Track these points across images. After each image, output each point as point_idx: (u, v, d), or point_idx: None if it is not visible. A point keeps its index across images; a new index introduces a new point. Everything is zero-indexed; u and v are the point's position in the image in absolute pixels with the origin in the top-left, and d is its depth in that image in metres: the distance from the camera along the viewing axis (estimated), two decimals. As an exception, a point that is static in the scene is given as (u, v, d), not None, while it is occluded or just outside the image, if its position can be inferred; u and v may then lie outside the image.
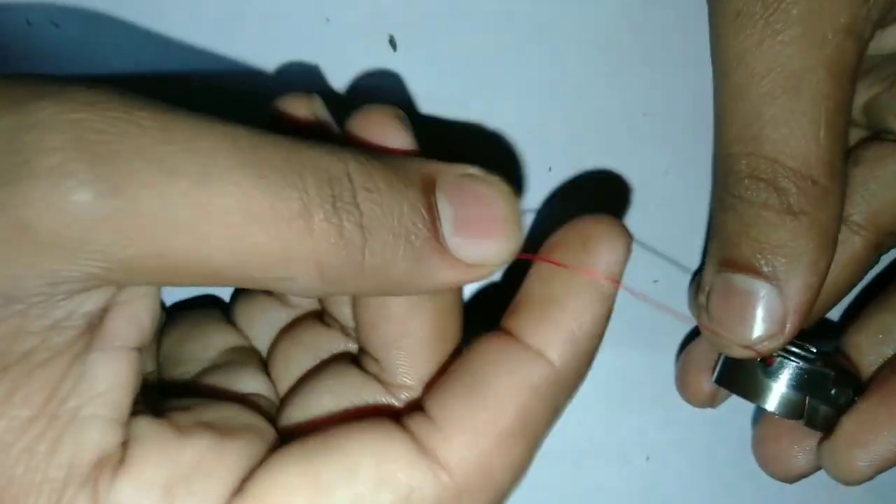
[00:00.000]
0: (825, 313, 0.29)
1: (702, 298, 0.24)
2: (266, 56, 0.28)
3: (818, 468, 0.28)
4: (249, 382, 0.23)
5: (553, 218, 0.30)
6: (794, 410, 0.26)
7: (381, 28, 0.28)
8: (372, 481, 0.18)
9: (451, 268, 0.19)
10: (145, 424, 0.18)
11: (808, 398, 0.26)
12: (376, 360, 0.22)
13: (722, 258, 0.23)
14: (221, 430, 0.19)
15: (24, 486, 0.16)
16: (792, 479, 0.28)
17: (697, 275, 0.29)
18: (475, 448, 0.19)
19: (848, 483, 0.26)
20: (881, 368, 0.27)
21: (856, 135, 0.28)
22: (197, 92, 0.28)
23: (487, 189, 0.19)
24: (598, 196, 0.30)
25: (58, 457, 0.17)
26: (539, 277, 0.21)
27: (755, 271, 0.22)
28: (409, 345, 0.21)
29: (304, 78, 0.28)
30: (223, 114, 0.27)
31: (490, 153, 0.30)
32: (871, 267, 0.28)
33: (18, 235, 0.15)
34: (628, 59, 0.30)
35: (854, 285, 0.28)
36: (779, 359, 0.25)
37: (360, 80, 0.29)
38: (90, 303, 0.17)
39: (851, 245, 0.26)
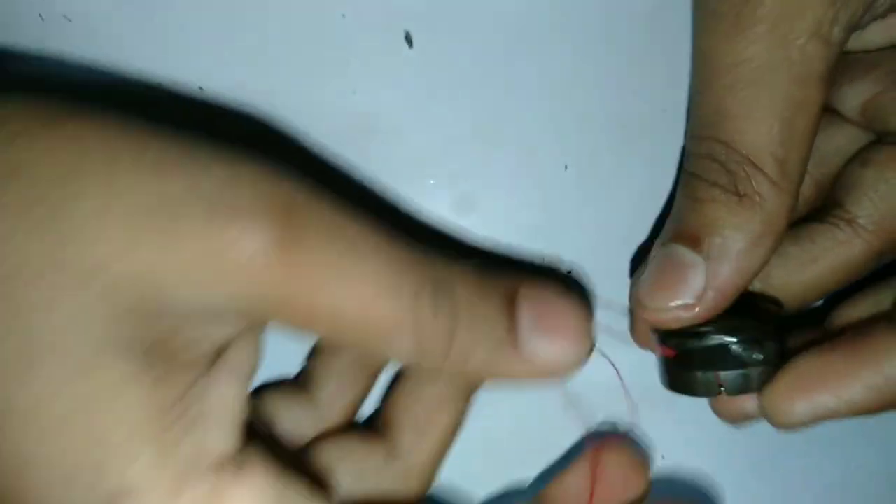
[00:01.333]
0: (806, 306, 0.28)
1: (641, 268, 0.25)
2: (281, 52, 0.28)
3: None
4: None
5: (568, 217, 0.30)
6: (711, 389, 0.26)
7: (397, 24, 0.28)
8: None
9: (523, 364, 0.22)
10: (258, 452, 0.21)
11: (719, 373, 0.26)
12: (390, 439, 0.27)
13: (669, 231, 0.24)
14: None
15: (153, 463, 0.18)
16: (739, 424, 0.28)
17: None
18: None
19: (782, 428, 0.25)
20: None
21: (859, 136, 0.27)
22: (212, 86, 0.28)
23: (562, 302, 0.23)
24: (615, 194, 0.30)
25: (190, 439, 0.19)
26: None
27: (693, 244, 0.23)
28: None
29: (319, 74, 0.28)
30: (236, 108, 0.28)
31: (505, 150, 0.29)
32: (868, 272, 0.27)
33: (212, 262, 0.19)
34: (648, 55, 0.29)
35: (844, 286, 0.28)
36: (679, 349, 0.26)
37: (375, 77, 0.28)
38: (232, 329, 0.20)
39: (851, 247, 0.26)
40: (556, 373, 0.23)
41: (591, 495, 0.26)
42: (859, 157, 0.26)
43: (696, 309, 0.24)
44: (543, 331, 0.22)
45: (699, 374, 0.26)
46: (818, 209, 0.27)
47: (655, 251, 0.25)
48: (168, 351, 0.19)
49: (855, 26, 0.23)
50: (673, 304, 0.24)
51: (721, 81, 0.23)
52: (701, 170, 0.24)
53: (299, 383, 0.28)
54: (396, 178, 0.29)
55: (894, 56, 0.26)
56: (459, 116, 0.29)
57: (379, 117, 0.29)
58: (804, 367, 0.24)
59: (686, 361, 0.26)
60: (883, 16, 0.24)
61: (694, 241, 0.24)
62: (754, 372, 0.26)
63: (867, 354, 0.24)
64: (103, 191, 0.18)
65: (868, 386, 0.23)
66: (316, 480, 0.25)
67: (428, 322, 0.21)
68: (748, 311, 0.26)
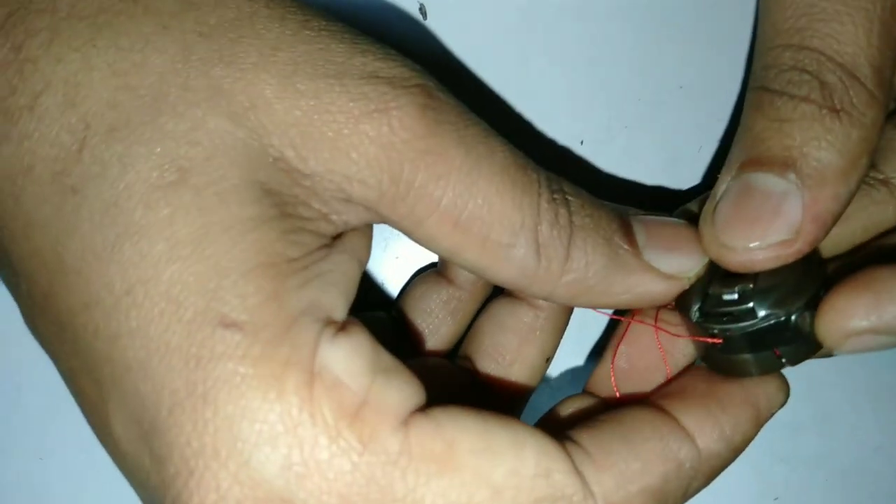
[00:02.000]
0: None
1: (709, 206, 0.22)
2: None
3: None
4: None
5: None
6: (771, 365, 0.23)
7: (412, -5, 0.28)
8: (532, 468, 0.19)
9: (645, 273, 0.22)
10: (360, 325, 0.20)
11: (778, 348, 0.22)
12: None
13: (745, 158, 0.21)
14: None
15: (267, 302, 0.18)
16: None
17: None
18: (621, 490, 0.20)
19: (837, 349, 0.22)
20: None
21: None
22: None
23: (673, 221, 0.23)
24: (630, 171, 0.30)
25: (305, 292, 0.19)
26: (704, 374, 0.24)
27: (782, 168, 0.20)
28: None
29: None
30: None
31: (521, 125, 0.29)
32: None
33: (361, 125, 0.19)
34: (664, 32, 0.29)
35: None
36: (724, 335, 0.22)
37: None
38: (355, 217, 0.20)
39: (885, 208, 0.24)
40: (678, 288, 0.22)
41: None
42: (893, 121, 0.25)
43: (797, 244, 0.20)
44: (662, 242, 0.22)
45: (752, 357, 0.22)
46: None
47: (726, 183, 0.22)
48: (297, 213, 0.19)
49: None
50: (768, 241, 0.21)
51: None
52: (786, 85, 0.21)
53: (393, 318, 0.28)
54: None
55: None
56: (474, 88, 0.28)
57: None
58: (866, 279, 0.21)
59: (734, 346, 0.22)
60: None
61: (782, 167, 0.20)
62: (813, 335, 0.22)
63: None
64: (272, 41, 0.19)
65: None
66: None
67: (549, 220, 0.20)
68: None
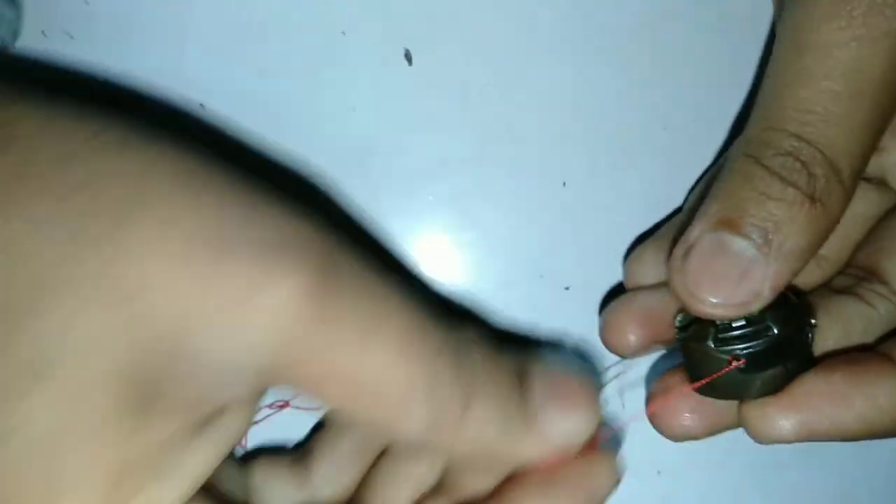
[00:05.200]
0: None
1: (680, 250, 0.24)
2: (281, 69, 0.28)
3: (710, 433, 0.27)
4: None
5: (565, 234, 0.30)
6: (779, 383, 0.25)
7: (397, 41, 0.28)
8: None
9: (534, 444, 0.22)
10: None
11: (785, 365, 0.25)
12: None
13: (724, 217, 0.23)
14: None
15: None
16: (681, 439, 0.28)
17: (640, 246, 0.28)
18: None
19: (760, 440, 0.25)
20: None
21: (881, 199, 0.27)
22: (213, 103, 0.28)
23: (571, 376, 0.23)
24: (613, 213, 0.30)
25: (139, 496, 0.19)
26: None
27: (757, 238, 0.22)
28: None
29: (319, 91, 0.28)
30: (237, 125, 0.28)
31: (504, 167, 0.29)
32: None
33: (248, 304, 0.19)
34: (647, 73, 0.29)
35: None
36: (746, 353, 0.24)
37: (375, 94, 0.28)
38: (237, 392, 0.20)
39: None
40: (566, 447, 0.23)
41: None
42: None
43: (753, 306, 0.23)
44: (557, 403, 0.23)
45: (763, 374, 0.24)
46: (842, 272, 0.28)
47: (700, 233, 0.23)
48: (169, 401, 0.19)
49: None
50: (731, 300, 0.23)
51: (831, 84, 0.22)
52: (780, 166, 0.22)
53: (296, 458, 0.28)
54: (395, 194, 0.29)
55: None
56: (458, 133, 0.29)
57: (378, 134, 0.29)
58: (800, 387, 0.24)
59: (756, 364, 0.24)
60: None
61: (758, 237, 0.22)
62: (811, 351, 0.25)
63: (863, 384, 0.24)
64: (165, 216, 0.19)
65: (860, 415, 0.23)
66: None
67: (445, 389, 0.21)
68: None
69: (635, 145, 0.30)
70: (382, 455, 0.28)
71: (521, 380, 0.23)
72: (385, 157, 0.29)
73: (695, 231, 0.23)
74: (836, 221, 0.23)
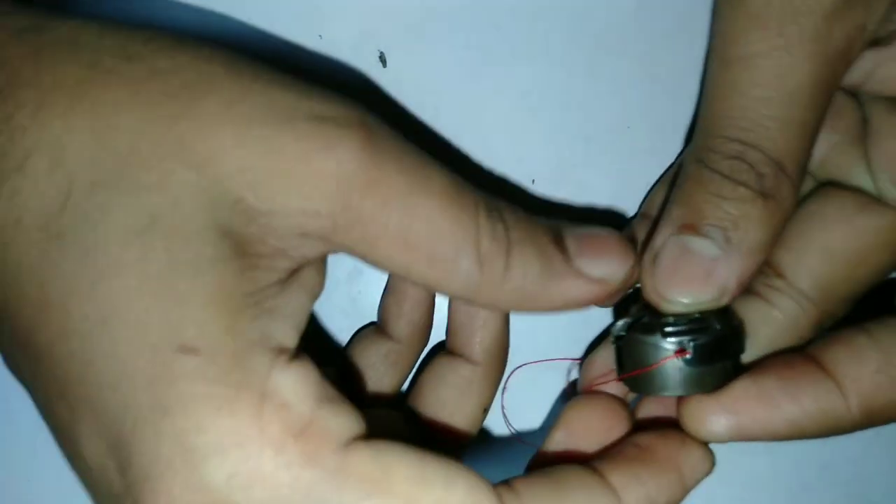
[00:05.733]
0: None
1: (649, 257, 0.25)
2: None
3: None
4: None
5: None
6: (728, 376, 0.26)
7: (372, 45, 0.30)
8: (460, 500, 0.21)
9: (577, 279, 0.24)
10: (308, 359, 0.22)
11: (725, 363, 0.26)
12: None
13: (685, 221, 0.25)
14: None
15: (223, 332, 0.20)
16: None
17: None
18: None
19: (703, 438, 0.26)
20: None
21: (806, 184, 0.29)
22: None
23: (602, 231, 0.25)
24: (580, 210, 0.31)
25: (258, 323, 0.21)
26: (636, 441, 0.26)
27: (717, 237, 0.24)
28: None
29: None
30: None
31: (474, 165, 0.31)
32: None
33: (308, 166, 0.21)
34: (613, 74, 0.31)
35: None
36: (693, 345, 0.25)
37: (350, 95, 0.29)
38: (310, 250, 0.22)
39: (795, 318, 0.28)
40: (607, 292, 0.24)
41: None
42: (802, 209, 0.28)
43: (722, 301, 0.25)
44: (591, 251, 0.24)
45: (711, 367, 0.25)
46: None
47: (665, 238, 0.25)
48: (255, 251, 0.21)
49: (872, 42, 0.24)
50: (700, 298, 0.24)
51: (760, 91, 0.24)
52: (728, 169, 0.24)
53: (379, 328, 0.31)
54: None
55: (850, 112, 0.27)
56: (431, 133, 0.30)
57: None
58: (733, 389, 0.25)
59: (700, 358, 0.25)
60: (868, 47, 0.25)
61: (718, 236, 0.24)
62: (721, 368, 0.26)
63: (795, 392, 0.25)
64: (227, 95, 0.21)
65: (788, 419, 0.25)
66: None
67: (488, 234, 0.23)
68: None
69: (601, 143, 0.31)
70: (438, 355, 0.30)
71: (556, 236, 0.24)
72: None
73: (660, 237, 0.25)
74: (789, 213, 0.25)
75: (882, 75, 0.25)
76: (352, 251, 0.22)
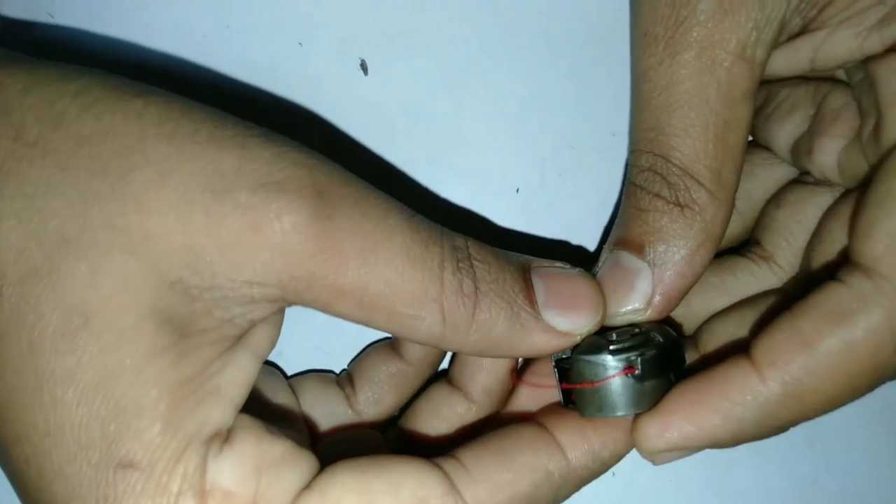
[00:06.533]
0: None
1: (593, 272, 0.26)
2: (239, 79, 0.29)
3: None
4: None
5: (520, 240, 0.31)
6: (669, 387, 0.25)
7: (353, 52, 0.29)
8: (410, 500, 0.22)
9: (543, 333, 0.23)
10: (247, 419, 0.22)
11: (670, 376, 0.25)
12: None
13: (616, 238, 0.25)
14: (298, 441, 0.23)
15: (159, 437, 0.20)
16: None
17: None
18: (493, 499, 0.23)
19: (650, 458, 0.25)
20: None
21: (786, 175, 0.29)
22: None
23: (573, 274, 0.25)
24: (565, 218, 0.31)
25: (196, 413, 0.21)
26: None
27: (639, 250, 0.25)
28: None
29: (277, 102, 0.29)
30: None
31: (458, 174, 0.30)
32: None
33: (254, 236, 0.20)
34: (596, 82, 0.30)
35: None
36: (640, 360, 0.24)
37: (331, 104, 0.29)
38: (260, 312, 0.22)
39: (765, 283, 0.28)
40: (572, 343, 0.24)
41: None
42: (775, 198, 0.28)
43: (648, 313, 0.25)
44: (560, 300, 0.24)
45: (657, 382, 0.25)
46: (742, 244, 0.29)
47: (604, 256, 0.26)
48: (199, 327, 0.21)
49: (775, 44, 0.24)
50: (624, 309, 0.25)
51: (657, 101, 0.24)
52: (643, 181, 0.25)
53: (342, 379, 0.30)
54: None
55: (811, 96, 0.27)
56: (414, 141, 0.30)
57: (335, 141, 0.30)
58: (669, 401, 0.24)
59: (649, 371, 0.25)
60: (796, 36, 0.25)
61: (639, 249, 0.25)
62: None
63: (722, 386, 0.24)
64: (161, 164, 0.20)
65: (726, 417, 0.23)
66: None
67: (453, 290, 0.22)
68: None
69: (585, 151, 0.31)
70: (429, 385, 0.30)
71: (525, 277, 0.24)
72: (341, 164, 0.30)
73: (603, 254, 0.26)
74: (715, 222, 0.24)
75: (825, 54, 0.25)
76: (309, 306, 0.22)
